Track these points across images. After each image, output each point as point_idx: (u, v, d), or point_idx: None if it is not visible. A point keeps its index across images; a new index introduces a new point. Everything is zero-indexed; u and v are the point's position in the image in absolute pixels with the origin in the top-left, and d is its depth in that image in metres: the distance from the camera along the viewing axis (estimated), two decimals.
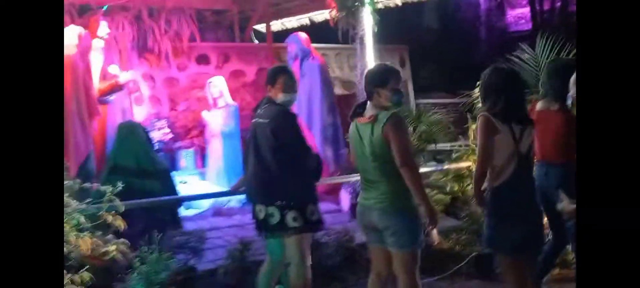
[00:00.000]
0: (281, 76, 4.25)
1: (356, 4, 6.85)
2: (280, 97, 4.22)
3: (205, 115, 7.64)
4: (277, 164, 4.11)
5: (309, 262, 4.41)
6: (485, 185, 3.89)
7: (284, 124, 4.15)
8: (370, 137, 3.73)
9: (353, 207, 6.61)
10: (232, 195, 6.27)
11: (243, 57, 9.31)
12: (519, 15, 17.61)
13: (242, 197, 6.12)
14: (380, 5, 7.42)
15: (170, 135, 7.85)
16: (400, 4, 8.93)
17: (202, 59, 9.00)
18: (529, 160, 3.82)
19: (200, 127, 8.10)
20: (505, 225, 3.73)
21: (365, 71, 6.62)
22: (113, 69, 7.27)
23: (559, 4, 16.61)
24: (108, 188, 3.80)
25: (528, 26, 16.96)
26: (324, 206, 6.71)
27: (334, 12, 7.06)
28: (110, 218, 3.63)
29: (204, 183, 7.54)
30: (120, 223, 3.69)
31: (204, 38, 9.13)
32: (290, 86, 4.25)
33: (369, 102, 3.88)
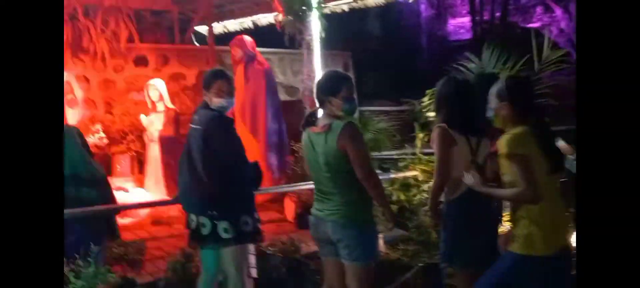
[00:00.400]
0: (217, 80, 4.08)
1: (304, 8, 6.70)
2: (215, 102, 4.05)
3: (144, 119, 7.32)
4: (209, 172, 3.94)
5: (254, 274, 4.26)
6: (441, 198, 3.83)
7: (217, 130, 3.97)
8: (324, 147, 3.60)
9: (298, 216, 6.47)
10: (173, 204, 6.01)
11: (183, 59, 9.02)
12: (459, 25, 17.88)
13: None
14: (326, 11, 7.29)
15: (106, 140, 7.50)
16: (346, 10, 8.82)
17: (140, 61, 8.65)
18: (486, 171, 3.75)
19: (137, 132, 7.78)
20: (463, 238, 3.66)
21: (316, 79, 6.52)
22: None
23: (498, 14, 16.95)
24: None
25: (468, 35, 17.25)
26: (268, 215, 6.57)
27: (280, 16, 6.89)
28: None
29: (140, 190, 7.24)
30: None
31: (142, 39, 8.78)
32: (226, 91, 4.07)
33: (321, 111, 3.75)
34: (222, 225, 3.92)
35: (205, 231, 3.95)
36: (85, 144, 5.16)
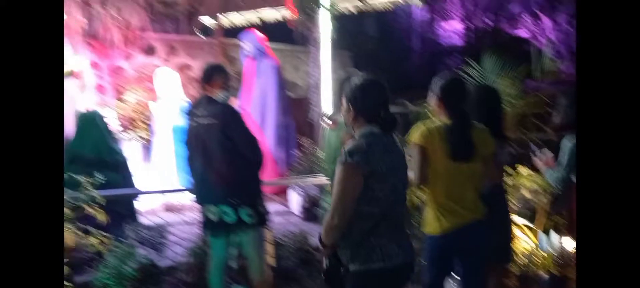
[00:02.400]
0: (219, 73, 4.24)
1: (314, 7, 6.94)
2: (219, 95, 4.19)
3: (153, 106, 7.45)
4: (230, 163, 4.05)
5: (272, 262, 4.43)
6: None
7: (233, 121, 4.10)
8: (335, 142, 3.85)
9: (305, 209, 6.65)
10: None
11: (190, 51, 9.20)
12: (451, 29, 18.10)
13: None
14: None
15: (121, 127, 7.66)
16: (355, 12, 9.01)
17: (149, 50, 8.82)
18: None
19: (144, 118, 7.93)
20: None
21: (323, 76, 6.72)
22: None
23: (489, 21, 17.19)
24: (81, 178, 3.68)
25: (459, 40, 17.47)
26: (273, 207, 6.74)
27: (291, 13, 7.11)
28: (92, 210, 3.53)
29: (148, 177, 7.37)
30: (103, 217, 3.60)
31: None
32: (228, 83, 4.26)
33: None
34: (245, 211, 4.08)
35: (229, 219, 4.08)
36: (108, 129, 5.33)
